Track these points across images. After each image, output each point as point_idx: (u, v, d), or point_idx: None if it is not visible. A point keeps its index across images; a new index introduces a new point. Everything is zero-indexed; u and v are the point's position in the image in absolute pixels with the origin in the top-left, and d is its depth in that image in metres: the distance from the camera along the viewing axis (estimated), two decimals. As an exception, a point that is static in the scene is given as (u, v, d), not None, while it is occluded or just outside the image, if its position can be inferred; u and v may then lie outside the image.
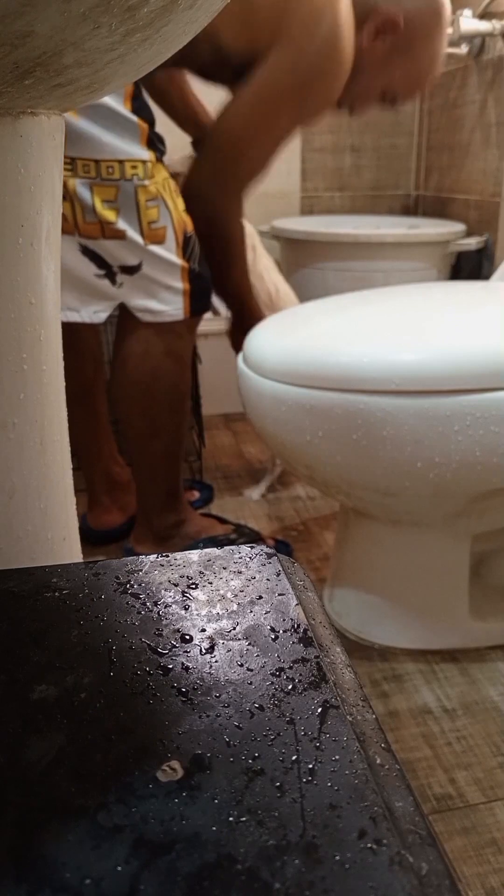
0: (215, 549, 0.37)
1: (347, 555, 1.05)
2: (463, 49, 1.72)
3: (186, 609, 0.32)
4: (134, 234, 0.99)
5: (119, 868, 0.20)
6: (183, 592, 0.33)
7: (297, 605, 0.32)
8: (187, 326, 1.11)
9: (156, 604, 0.33)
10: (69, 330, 1.19)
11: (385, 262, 1.67)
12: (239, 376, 0.93)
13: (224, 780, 0.23)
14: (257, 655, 0.29)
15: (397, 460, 0.81)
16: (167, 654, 0.29)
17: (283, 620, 0.31)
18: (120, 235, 0.99)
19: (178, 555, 0.37)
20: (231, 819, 0.22)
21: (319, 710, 0.26)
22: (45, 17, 0.25)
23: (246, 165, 1.07)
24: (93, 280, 1.01)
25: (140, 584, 0.34)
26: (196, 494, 1.46)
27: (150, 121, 0.98)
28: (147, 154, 0.97)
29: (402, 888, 0.20)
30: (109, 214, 0.97)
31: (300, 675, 0.28)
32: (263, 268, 1.37)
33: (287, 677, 0.28)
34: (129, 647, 0.30)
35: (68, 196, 0.95)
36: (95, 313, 1.03)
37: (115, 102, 0.94)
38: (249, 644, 0.30)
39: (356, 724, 0.26)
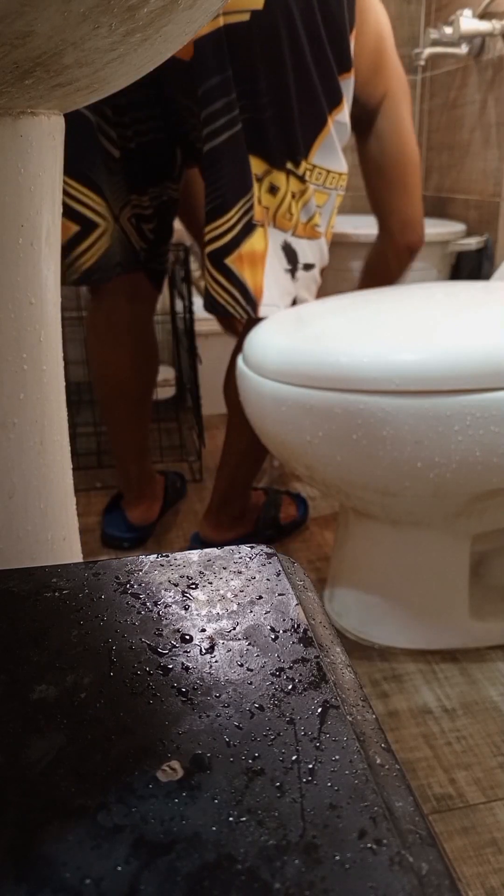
0: (215, 549, 0.37)
1: (347, 555, 1.05)
2: (463, 49, 1.72)
3: (186, 609, 0.32)
4: (323, 237, 1.11)
5: (119, 868, 0.20)
6: (183, 592, 0.33)
7: (297, 605, 0.32)
8: None
9: (156, 604, 0.33)
10: (144, 330, 1.24)
11: (385, 262, 1.67)
12: (239, 376, 0.93)
13: (224, 780, 0.23)
14: (257, 655, 0.29)
15: (397, 460, 0.81)
16: (167, 654, 0.29)
17: (283, 620, 0.31)
18: (318, 236, 1.10)
19: (178, 555, 0.37)
20: (231, 819, 0.22)
21: (319, 710, 0.26)
22: (45, 17, 0.25)
23: (418, 173, 1.24)
24: (284, 275, 1.10)
25: (140, 584, 0.34)
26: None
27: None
28: (346, 167, 1.10)
29: (402, 888, 0.20)
30: (318, 218, 1.09)
31: (300, 675, 0.28)
32: None
33: (287, 677, 0.28)
34: (129, 647, 0.30)
35: (300, 197, 1.05)
36: (285, 307, 1.11)
37: (347, 113, 1.05)
38: (249, 644, 0.30)
39: (356, 724, 0.26)
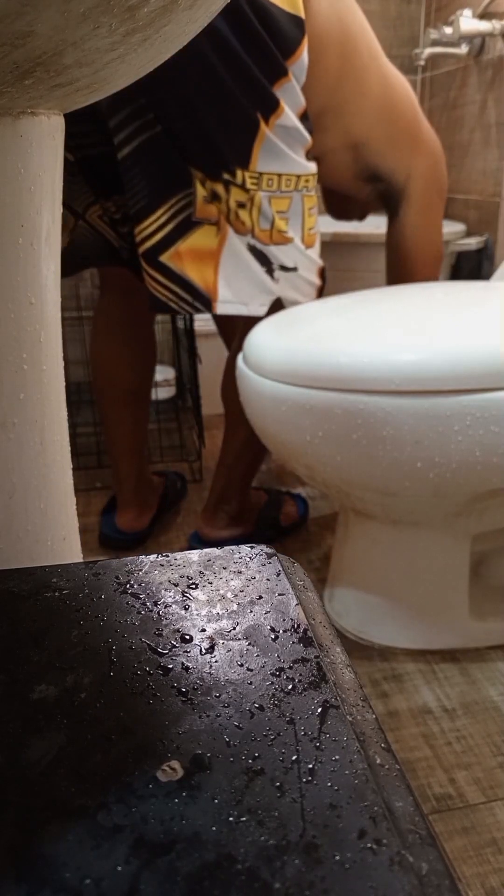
0: (215, 549, 0.37)
1: (347, 555, 1.05)
2: (463, 49, 1.72)
3: (186, 609, 0.32)
4: (298, 241, 1.09)
5: (119, 868, 0.20)
6: (183, 592, 0.33)
7: (297, 605, 0.32)
8: None
9: (156, 604, 0.33)
10: (141, 328, 1.22)
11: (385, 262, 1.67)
12: (239, 376, 0.93)
13: (224, 780, 0.23)
14: (257, 655, 0.29)
15: (397, 460, 0.81)
16: (167, 654, 0.29)
17: (283, 620, 0.31)
18: (287, 241, 1.08)
19: (178, 555, 0.37)
20: (231, 819, 0.22)
21: (319, 710, 0.26)
22: (45, 17, 0.25)
23: (438, 266, 1.26)
24: (261, 275, 1.08)
25: (140, 584, 0.34)
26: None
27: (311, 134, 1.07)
28: (314, 167, 1.07)
29: (402, 888, 0.20)
30: (282, 224, 1.06)
31: (300, 675, 0.28)
32: None
33: (287, 677, 0.28)
34: (129, 647, 0.30)
35: (250, 206, 1.03)
36: (260, 307, 1.09)
37: (294, 116, 1.02)
38: (249, 644, 0.30)
39: (356, 724, 0.26)
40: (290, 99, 1.01)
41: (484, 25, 1.61)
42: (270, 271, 1.08)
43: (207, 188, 1.01)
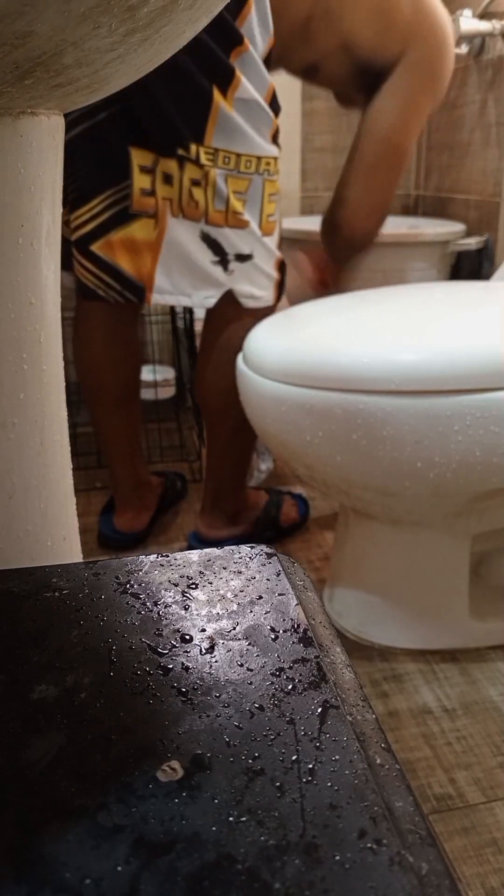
0: (215, 549, 0.37)
1: (347, 555, 1.05)
2: (463, 49, 1.72)
3: (186, 609, 0.32)
4: (254, 225, 1.05)
5: (119, 868, 0.20)
6: (183, 592, 0.33)
7: (297, 605, 0.32)
8: (270, 312, 1.17)
9: (156, 604, 0.33)
10: (121, 330, 1.20)
11: (385, 262, 1.67)
12: (239, 376, 0.93)
13: (224, 780, 0.23)
14: (257, 655, 0.29)
15: (397, 460, 0.81)
16: (167, 654, 0.29)
17: (283, 620, 0.31)
18: (243, 225, 1.05)
19: (178, 555, 0.37)
20: (231, 819, 0.22)
21: (319, 710, 0.26)
22: (45, 17, 0.25)
23: (405, 163, 1.16)
24: (208, 267, 1.05)
25: (140, 584, 0.34)
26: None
27: (277, 116, 1.04)
28: (277, 150, 1.04)
29: (402, 888, 0.20)
30: (238, 205, 1.03)
31: (300, 675, 0.28)
32: None
33: (287, 677, 0.28)
34: (129, 647, 0.30)
35: (205, 184, 1.00)
36: (206, 299, 1.08)
37: (259, 97, 0.99)
38: (249, 644, 0.30)
39: (356, 724, 0.26)
40: (251, 72, 0.97)
41: (484, 25, 1.61)
42: (224, 262, 1.06)
43: (158, 173, 0.98)
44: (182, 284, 1.05)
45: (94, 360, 1.19)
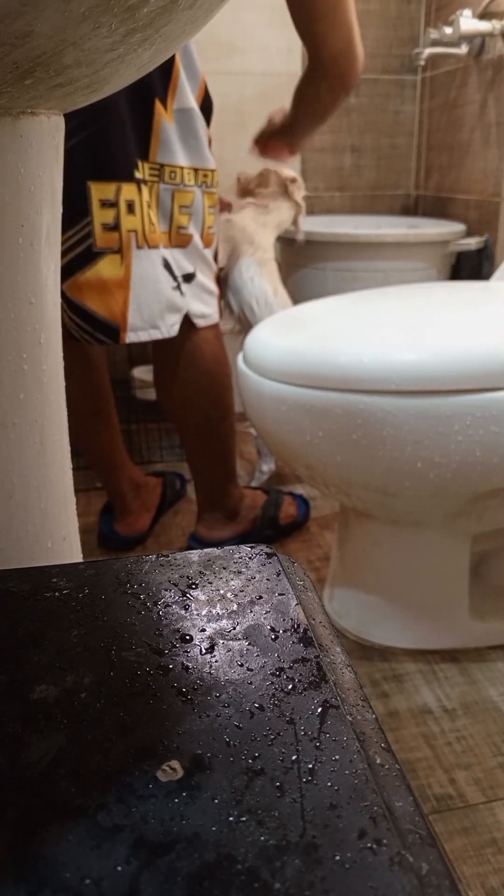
0: (215, 549, 0.37)
1: (347, 555, 1.05)
2: (463, 49, 1.72)
3: (186, 609, 0.32)
4: (197, 239, 1.05)
5: (119, 868, 0.20)
6: (183, 592, 0.33)
7: (297, 605, 0.32)
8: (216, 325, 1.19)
9: (156, 604, 0.33)
10: (83, 347, 1.16)
11: (385, 262, 1.67)
12: (239, 376, 0.93)
13: (224, 780, 0.23)
14: (257, 655, 0.29)
15: (397, 460, 0.81)
16: (167, 654, 0.29)
17: (283, 620, 0.31)
18: (186, 241, 1.04)
19: (178, 555, 0.37)
20: (231, 819, 0.22)
21: (319, 709, 0.26)
22: (45, 17, 0.25)
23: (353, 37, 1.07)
24: (171, 293, 1.05)
25: (140, 584, 0.34)
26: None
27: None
28: (213, 162, 1.04)
29: (402, 888, 0.20)
30: (183, 219, 1.02)
31: (300, 674, 0.28)
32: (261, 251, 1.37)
33: (287, 677, 0.28)
34: (130, 647, 0.30)
35: (153, 205, 0.98)
36: (172, 326, 1.07)
37: (194, 100, 0.98)
38: (249, 644, 0.30)
39: (356, 724, 0.26)
40: (187, 60, 0.95)
41: (484, 25, 1.61)
42: (178, 286, 1.05)
43: (122, 205, 0.96)
44: (152, 317, 1.04)
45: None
